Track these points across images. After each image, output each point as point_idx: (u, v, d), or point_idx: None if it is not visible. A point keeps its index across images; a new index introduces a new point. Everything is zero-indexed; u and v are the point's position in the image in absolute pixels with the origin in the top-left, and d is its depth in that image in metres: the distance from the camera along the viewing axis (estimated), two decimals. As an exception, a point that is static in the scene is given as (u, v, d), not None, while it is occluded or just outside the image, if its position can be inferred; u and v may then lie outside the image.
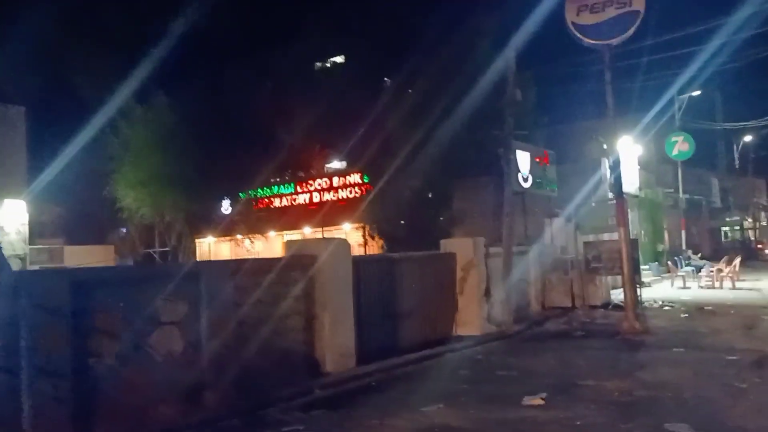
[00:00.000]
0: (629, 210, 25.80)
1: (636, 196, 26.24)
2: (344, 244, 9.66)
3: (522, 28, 12.27)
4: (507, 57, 12.80)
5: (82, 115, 20.17)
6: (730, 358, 8.63)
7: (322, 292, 8.81)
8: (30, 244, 23.85)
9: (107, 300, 6.21)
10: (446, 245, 12.86)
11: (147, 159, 21.09)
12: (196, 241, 29.99)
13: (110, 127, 21.33)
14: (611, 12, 11.03)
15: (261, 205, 28.91)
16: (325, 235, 25.36)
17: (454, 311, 12.34)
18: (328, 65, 24.15)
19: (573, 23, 11.31)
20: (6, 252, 20.26)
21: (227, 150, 21.15)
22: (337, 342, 8.90)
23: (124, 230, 29.65)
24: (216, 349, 7.31)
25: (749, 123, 33.99)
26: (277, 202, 29.01)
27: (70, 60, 20.62)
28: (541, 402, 6.80)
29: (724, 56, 23.22)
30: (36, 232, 25.94)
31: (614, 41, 11.23)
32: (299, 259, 8.79)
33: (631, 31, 11.03)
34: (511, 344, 11.25)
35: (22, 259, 20.53)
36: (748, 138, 41.51)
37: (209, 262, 22.31)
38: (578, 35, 11.30)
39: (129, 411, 6.13)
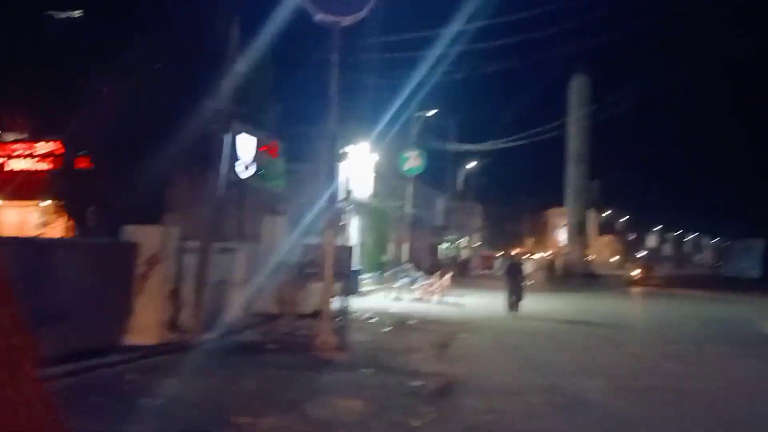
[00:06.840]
0: (358, 216, 25.95)
1: (366, 204, 26.32)
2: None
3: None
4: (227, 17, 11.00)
5: None
6: (414, 384, 7.79)
7: None
8: None
9: None
10: (130, 233, 10.56)
11: None
12: None
13: None
14: (345, -16, 9.82)
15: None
16: (18, 211, 21.00)
17: (127, 315, 10.08)
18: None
19: (302, -9, 9.85)
20: None
21: None
22: None
23: None
24: None
25: (473, 147, 37.01)
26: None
27: None
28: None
29: (447, 66, 23.58)
30: None
31: (346, 20, 10.03)
32: None
33: (364, 12, 9.90)
34: (186, 358, 9.34)
35: None
36: (471, 164, 45.66)
37: None
38: (307, 5, 9.84)
39: None
